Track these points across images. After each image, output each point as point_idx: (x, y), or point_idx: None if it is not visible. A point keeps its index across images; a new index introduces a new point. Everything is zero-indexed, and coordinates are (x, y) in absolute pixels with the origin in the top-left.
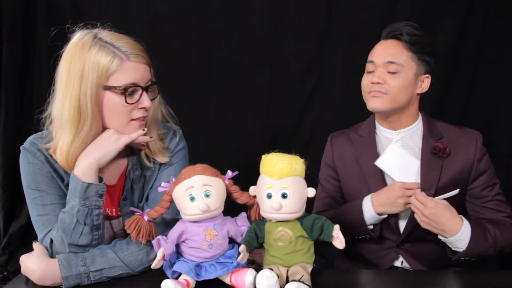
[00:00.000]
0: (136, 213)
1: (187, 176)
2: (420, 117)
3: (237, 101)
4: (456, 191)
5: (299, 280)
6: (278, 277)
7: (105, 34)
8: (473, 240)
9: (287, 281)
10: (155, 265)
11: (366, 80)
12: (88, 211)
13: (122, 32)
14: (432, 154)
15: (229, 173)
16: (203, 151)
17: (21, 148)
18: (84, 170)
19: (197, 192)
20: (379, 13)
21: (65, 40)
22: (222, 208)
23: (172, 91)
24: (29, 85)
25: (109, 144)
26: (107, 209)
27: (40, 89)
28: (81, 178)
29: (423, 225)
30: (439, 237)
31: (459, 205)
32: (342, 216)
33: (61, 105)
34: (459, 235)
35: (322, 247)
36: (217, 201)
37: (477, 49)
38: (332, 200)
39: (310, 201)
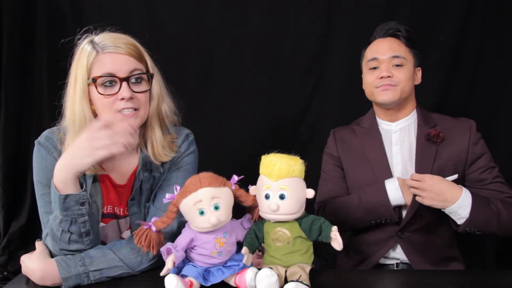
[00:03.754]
0: (143, 226)
1: (193, 189)
2: (415, 109)
3: (238, 101)
4: (455, 176)
5: (297, 280)
6: (278, 276)
7: (99, 36)
8: (475, 205)
9: (286, 281)
10: (164, 272)
11: (372, 77)
12: (72, 220)
13: (122, 32)
14: (426, 140)
15: (235, 177)
16: (204, 151)
17: (35, 142)
18: (61, 181)
19: (206, 206)
20: (379, 13)
21: (67, 41)
22: (230, 216)
23: (172, 91)
24: (29, 85)
25: (83, 157)
26: (115, 208)
27: (40, 89)
28: (59, 189)
29: (426, 201)
30: (442, 210)
31: None
32: (360, 199)
33: (64, 107)
34: (460, 201)
35: (323, 248)
36: (226, 212)
37: (477, 49)
38: (339, 187)
39: (310, 202)
